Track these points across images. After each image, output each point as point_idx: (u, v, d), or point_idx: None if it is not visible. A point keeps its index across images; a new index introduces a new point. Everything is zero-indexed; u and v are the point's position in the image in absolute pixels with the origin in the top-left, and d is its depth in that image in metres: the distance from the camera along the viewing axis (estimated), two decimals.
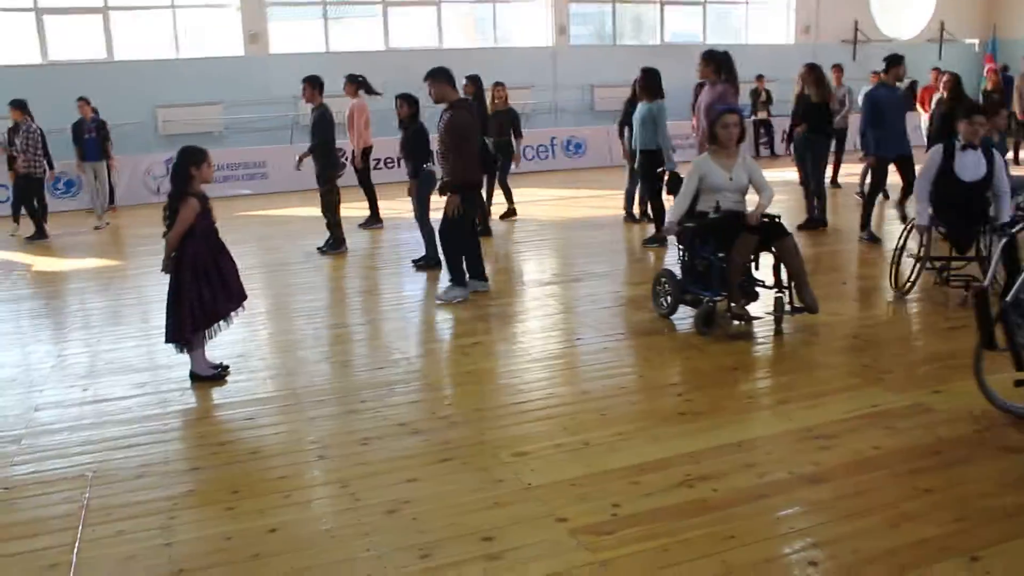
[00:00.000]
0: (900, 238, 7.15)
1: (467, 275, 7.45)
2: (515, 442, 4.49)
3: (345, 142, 11.45)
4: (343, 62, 16.75)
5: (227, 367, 5.67)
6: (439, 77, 7.26)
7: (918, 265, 6.91)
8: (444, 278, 7.69)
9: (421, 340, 6.45)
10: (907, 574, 3.24)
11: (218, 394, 5.41)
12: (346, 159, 11.97)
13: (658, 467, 4.14)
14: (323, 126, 9.32)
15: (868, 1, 22.34)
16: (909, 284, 6.96)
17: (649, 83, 9.52)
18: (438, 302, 7.34)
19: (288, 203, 13.54)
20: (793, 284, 6.19)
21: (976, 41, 23.23)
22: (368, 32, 18.51)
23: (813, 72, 10.27)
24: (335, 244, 9.58)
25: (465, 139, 7.16)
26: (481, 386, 5.50)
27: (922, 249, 6.82)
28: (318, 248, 9.59)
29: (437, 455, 4.36)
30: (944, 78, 11.26)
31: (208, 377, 5.55)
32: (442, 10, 18.81)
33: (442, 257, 7.52)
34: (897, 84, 9.72)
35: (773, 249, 6.22)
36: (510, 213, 11.67)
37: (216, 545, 3.57)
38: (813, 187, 10.21)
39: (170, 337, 5.49)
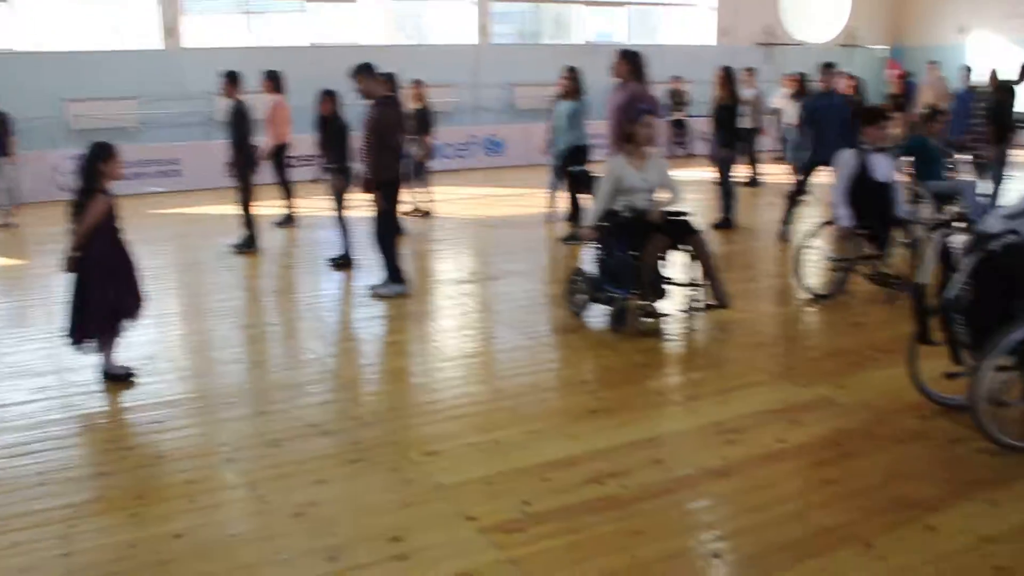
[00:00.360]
0: (805, 239, 7.31)
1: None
2: (426, 441, 4.49)
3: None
4: (263, 57, 16.48)
5: (133, 372, 5.55)
6: (366, 73, 7.24)
7: (836, 267, 7.09)
8: (375, 275, 7.64)
9: (335, 340, 6.39)
10: (808, 562, 3.34)
11: (125, 397, 5.28)
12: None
13: (568, 464, 4.17)
14: (238, 120, 9.14)
15: (782, 6, 22.79)
16: (834, 287, 7.09)
17: (575, 81, 9.72)
18: (379, 296, 7.31)
19: (202, 201, 13.25)
20: (706, 280, 6.30)
21: (882, 47, 23.93)
22: (289, 27, 18.26)
23: (722, 74, 10.47)
24: (248, 242, 9.39)
25: (390, 135, 7.13)
26: (394, 386, 5.48)
27: (848, 253, 6.95)
28: (232, 246, 9.39)
29: (347, 456, 4.33)
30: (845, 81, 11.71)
31: (120, 376, 5.43)
32: (363, 6, 18.65)
33: (378, 254, 7.43)
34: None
35: (685, 247, 6.32)
36: (426, 213, 11.65)
37: (119, 553, 3.49)
38: (724, 188, 10.40)
39: (74, 337, 5.35)
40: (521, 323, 6.69)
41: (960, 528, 3.58)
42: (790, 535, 3.53)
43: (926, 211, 6.72)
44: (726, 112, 10.33)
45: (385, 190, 7.18)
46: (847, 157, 6.86)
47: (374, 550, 3.45)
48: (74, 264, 5.26)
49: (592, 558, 3.38)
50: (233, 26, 17.63)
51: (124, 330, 5.47)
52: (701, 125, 19.46)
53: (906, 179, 7.72)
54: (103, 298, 5.27)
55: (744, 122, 11.55)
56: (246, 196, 9.28)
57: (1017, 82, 11.41)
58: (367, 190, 7.26)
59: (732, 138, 10.42)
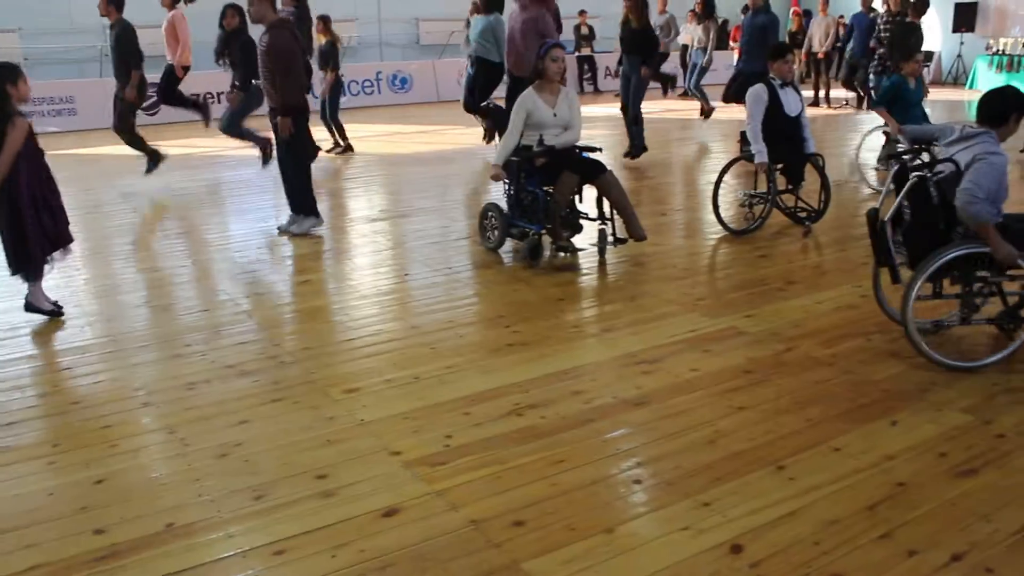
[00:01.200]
0: (720, 173, 7.44)
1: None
2: (346, 379, 4.49)
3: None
4: None
5: (60, 308, 5.47)
6: None
7: (752, 202, 7.27)
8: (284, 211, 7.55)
9: (247, 280, 6.29)
10: (723, 485, 3.46)
11: (33, 344, 5.13)
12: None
13: (488, 397, 4.24)
14: (126, 44, 8.79)
15: None
16: (760, 221, 7.21)
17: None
18: (291, 234, 7.23)
19: (101, 141, 12.77)
20: (621, 217, 6.39)
21: None
22: None
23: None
24: (154, 158, 9.24)
25: (290, 61, 6.92)
26: (310, 324, 5.44)
27: (769, 187, 7.07)
28: (145, 171, 9.19)
29: (267, 396, 4.31)
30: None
31: (48, 311, 5.35)
32: None
33: (288, 187, 7.33)
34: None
35: (595, 184, 6.39)
36: (347, 149, 11.47)
37: (37, 502, 3.42)
38: (632, 114, 10.48)
39: (17, 268, 5.23)
40: (434, 260, 6.70)
41: (863, 448, 3.77)
42: (705, 460, 3.66)
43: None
44: (636, 36, 10.36)
45: (293, 117, 7.01)
46: (758, 92, 6.97)
47: (300, 487, 3.46)
48: (1, 195, 5.07)
49: (516, 488, 3.45)
50: None
51: (57, 260, 5.38)
52: (607, 61, 19.59)
53: (890, 123, 7.88)
54: (38, 225, 5.14)
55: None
56: (130, 121, 9.05)
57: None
58: (272, 119, 7.09)
59: (640, 64, 10.44)
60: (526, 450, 3.74)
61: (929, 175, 4.55)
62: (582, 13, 19.06)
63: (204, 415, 4.12)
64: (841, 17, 19.72)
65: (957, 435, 3.89)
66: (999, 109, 4.51)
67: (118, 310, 5.73)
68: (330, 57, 11.08)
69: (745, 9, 11.61)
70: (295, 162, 7.21)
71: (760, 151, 6.86)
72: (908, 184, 4.59)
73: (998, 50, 19.46)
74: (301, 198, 7.28)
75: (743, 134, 7.19)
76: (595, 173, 6.35)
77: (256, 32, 7.31)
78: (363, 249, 7.15)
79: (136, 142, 9.15)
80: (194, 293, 6.11)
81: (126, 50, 8.79)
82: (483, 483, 3.49)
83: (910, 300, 4.48)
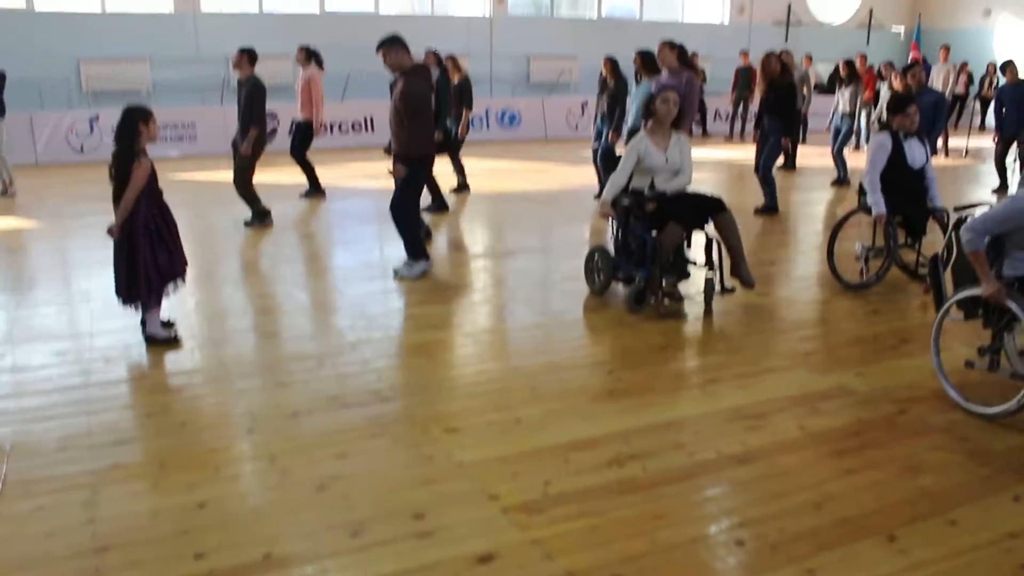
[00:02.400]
0: (836, 224, 7.23)
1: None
2: (446, 418, 4.49)
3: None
4: (276, 24, 16.48)
5: (178, 336, 5.65)
6: (394, 45, 6.94)
7: (871, 256, 7.01)
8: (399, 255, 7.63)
9: (352, 312, 6.37)
10: (828, 553, 3.33)
11: (145, 364, 5.29)
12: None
13: (588, 445, 4.17)
14: (254, 101, 8.94)
15: None
16: (877, 276, 6.96)
17: (647, 62, 9.70)
18: (402, 278, 7.17)
19: (218, 167, 13.17)
20: (730, 258, 6.29)
21: (902, 28, 23.75)
22: None
23: (780, 59, 10.29)
24: (260, 216, 9.27)
25: (419, 107, 6.90)
26: (413, 360, 5.47)
27: (887, 241, 6.81)
28: (245, 223, 9.29)
29: (368, 430, 4.33)
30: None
31: (163, 340, 5.52)
32: None
33: (399, 231, 7.24)
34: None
35: (711, 224, 6.29)
36: (462, 187, 11.53)
37: (142, 521, 3.49)
38: (762, 174, 10.28)
39: (126, 298, 5.43)
40: (538, 300, 6.69)
41: (982, 523, 3.57)
42: (811, 524, 3.53)
43: None
44: (784, 96, 10.14)
45: (413, 166, 7.01)
46: (881, 140, 6.77)
47: (397, 526, 3.45)
48: (121, 230, 5.31)
49: (614, 541, 3.38)
50: None
51: (169, 292, 5.58)
52: (717, 104, 19.44)
53: None
54: (153, 262, 5.36)
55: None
56: (247, 175, 9.18)
57: None
58: (398, 167, 7.01)
59: (788, 124, 10.19)
60: (626, 502, 3.66)
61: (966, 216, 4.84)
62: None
63: (304, 446, 4.16)
64: (964, 64, 19.18)
65: None
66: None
67: (226, 335, 5.87)
68: (465, 95, 11.16)
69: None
70: (407, 208, 7.17)
71: (877, 202, 6.63)
72: (951, 223, 5.00)
73: None
74: (411, 243, 7.24)
75: (861, 185, 6.99)
76: (715, 211, 6.27)
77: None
78: (468, 287, 7.18)
79: (249, 198, 9.24)
80: (300, 322, 6.22)
81: (252, 108, 8.94)
82: (580, 534, 3.43)
83: (935, 331, 4.88)
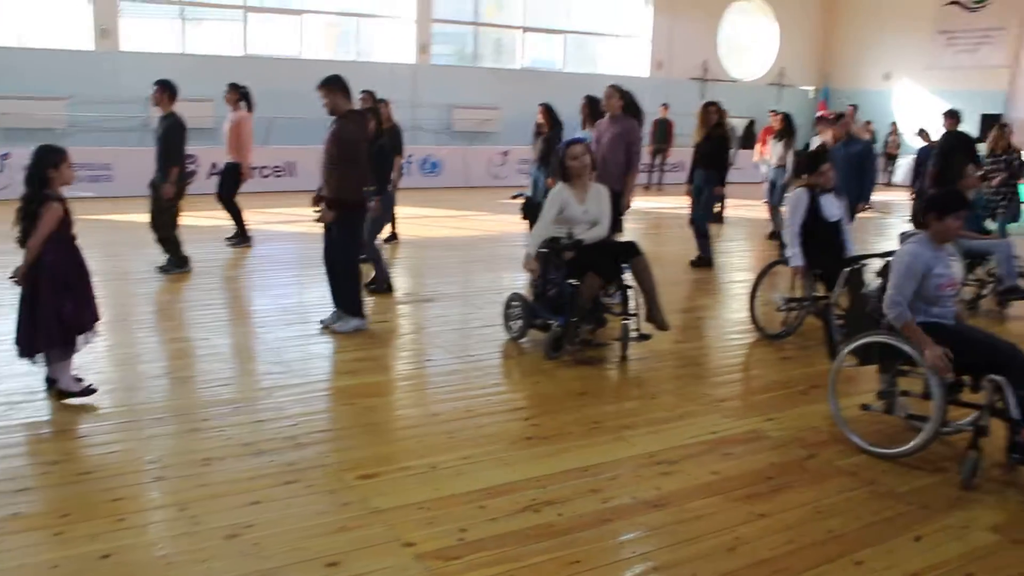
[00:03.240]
0: (758, 276, 7.40)
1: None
2: (362, 464, 4.44)
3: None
4: (198, 65, 16.34)
5: (92, 388, 5.31)
6: (334, 86, 6.68)
7: (788, 307, 7.14)
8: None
9: (268, 358, 6.29)
10: None
11: (49, 409, 5.12)
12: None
13: (505, 491, 4.17)
14: (174, 139, 8.71)
15: (716, 43, 23.43)
16: (796, 326, 7.15)
17: (594, 109, 9.26)
18: (333, 331, 6.86)
19: (134, 208, 12.88)
20: (645, 303, 6.38)
21: (811, 88, 24.67)
22: (226, 37, 18.07)
23: (712, 108, 10.39)
24: (178, 263, 8.94)
25: (353, 153, 6.64)
26: (329, 406, 5.42)
27: (805, 292, 6.98)
28: (160, 268, 8.96)
29: (282, 477, 4.26)
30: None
31: (77, 393, 5.21)
32: (304, 20, 18.54)
33: (334, 284, 6.93)
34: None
35: (625, 271, 6.39)
36: (391, 238, 11.33)
37: (42, 573, 3.37)
38: (699, 227, 10.30)
39: (24, 351, 5.12)
40: (456, 346, 6.69)
41: (887, 563, 3.67)
42: (724, 568, 3.58)
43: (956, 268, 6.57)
44: (719, 147, 10.27)
45: (348, 213, 6.70)
46: (799, 196, 6.96)
47: (310, 575, 3.39)
48: (26, 275, 5.04)
49: None
50: (169, 31, 17.36)
51: (80, 345, 5.25)
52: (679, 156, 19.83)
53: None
54: (55, 311, 5.03)
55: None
56: (171, 216, 8.84)
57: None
58: (326, 211, 6.70)
59: (722, 175, 10.31)
60: (541, 548, 3.67)
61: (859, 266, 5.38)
62: (664, 106, 19.28)
63: (216, 493, 4.07)
64: (868, 123, 19.97)
65: (984, 555, 3.80)
66: (918, 214, 5.00)
67: (137, 380, 5.74)
68: (395, 142, 11.02)
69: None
70: (345, 259, 6.89)
71: (795, 255, 6.79)
72: (844, 274, 5.35)
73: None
74: (348, 297, 6.92)
75: (781, 238, 7.18)
76: (629, 255, 6.37)
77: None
78: (387, 332, 7.14)
79: (171, 243, 8.87)
80: (215, 367, 6.10)
81: (172, 146, 8.61)
82: None
83: (831, 379, 5.12)
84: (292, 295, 8.39)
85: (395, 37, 19.57)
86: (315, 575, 3.40)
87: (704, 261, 10.29)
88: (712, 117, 10.17)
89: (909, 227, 5.07)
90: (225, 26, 18.29)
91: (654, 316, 6.41)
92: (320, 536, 3.70)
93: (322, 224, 6.83)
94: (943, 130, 11.62)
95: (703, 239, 10.31)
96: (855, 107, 10.22)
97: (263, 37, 18.31)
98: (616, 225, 8.13)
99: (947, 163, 10.18)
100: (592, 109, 9.38)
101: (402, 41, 19.47)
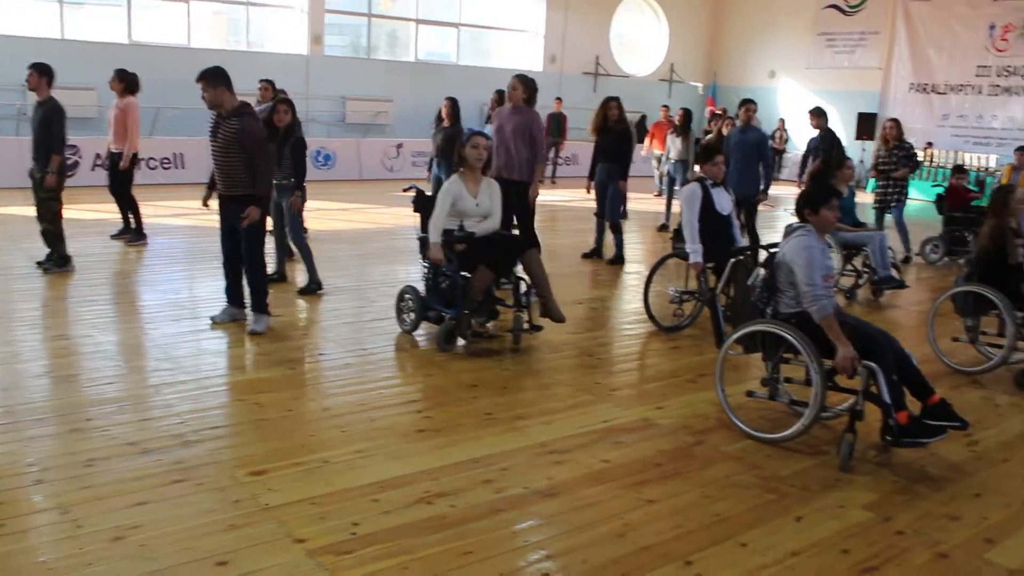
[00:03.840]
0: (652, 268, 7.52)
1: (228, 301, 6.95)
2: (253, 461, 4.38)
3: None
4: (80, 52, 15.77)
5: None
6: (218, 80, 6.42)
7: (684, 300, 7.32)
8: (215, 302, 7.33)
9: (156, 354, 6.13)
10: None
11: None
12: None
13: (397, 484, 4.18)
14: (54, 125, 8.36)
15: (609, 39, 23.75)
16: (691, 319, 7.36)
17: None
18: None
19: (11, 200, 12.42)
20: (538, 296, 6.45)
21: (700, 84, 25.27)
22: (109, 23, 17.43)
23: (613, 104, 10.29)
24: (60, 262, 8.55)
25: (264, 147, 6.57)
26: (219, 403, 5.32)
27: (700, 285, 7.13)
28: (39, 264, 8.59)
29: (169, 476, 4.17)
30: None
31: None
32: (192, 7, 18.04)
33: (253, 282, 6.75)
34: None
35: (518, 264, 6.45)
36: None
37: None
38: (611, 222, 10.29)
39: None
40: (348, 340, 6.65)
41: (769, 544, 3.81)
42: (613, 554, 3.66)
43: (834, 259, 6.81)
44: (622, 142, 10.20)
45: (262, 210, 6.54)
46: (693, 190, 7.10)
47: (199, 575, 3.34)
48: None
49: None
50: (48, 15, 16.65)
51: None
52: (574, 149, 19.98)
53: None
54: None
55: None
56: (54, 207, 8.45)
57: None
58: (253, 211, 6.43)
59: (625, 169, 10.19)
60: (434, 540, 3.68)
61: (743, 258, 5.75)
62: (558, 100, 19.39)
63: (100, 495, 3.96)
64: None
65: (859, 532, 3.98)
66: (798, 207, 5.10)
67: (16, 379, 5.52)
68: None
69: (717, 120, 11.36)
70: (260, 257, 6.74)
71: (696, 250, 6.86)
72: (729, 265, 5.64)
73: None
74: (264, 294, 6.78)
75: (676, 231, 7.32)
76: (522, 249, 6.43)
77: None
78: (279, 327, 7.03)
79: (55, 236, 8.45)
80: (100, 364, 5.91)
81: (52, 132, 8.22)
82: (388, 574, 3.42)
83: (718, 367, 5.26)
84: (182, 290, 8.21)
85: (287, 27, 19.23)
86: (204, 575, 3.34)
87: (618, 258, 10.24)
88: (613, 112, 10.21)
89: (795, 220, 5.23)
90: (107, 11, 17.65)
91: (549, 310, 6.49)
92: (209, 535, 3.64)
93: (217, 219, 6.73)
94: (813, 128, 11.90)
95: (618, 235, 10.29)
96: (754, 103, 10.35)
97: (149, 24, 17.73)
98: (525, 216, 8.18)
99: (828, 158, 10.57)
100: (502, 103, 9.43)
101: (294, 31, 19.14)
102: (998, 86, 20.52)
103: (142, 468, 4.24)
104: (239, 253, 6.71)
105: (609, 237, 10.36)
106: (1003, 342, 6.28)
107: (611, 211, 10.23)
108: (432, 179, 10.87)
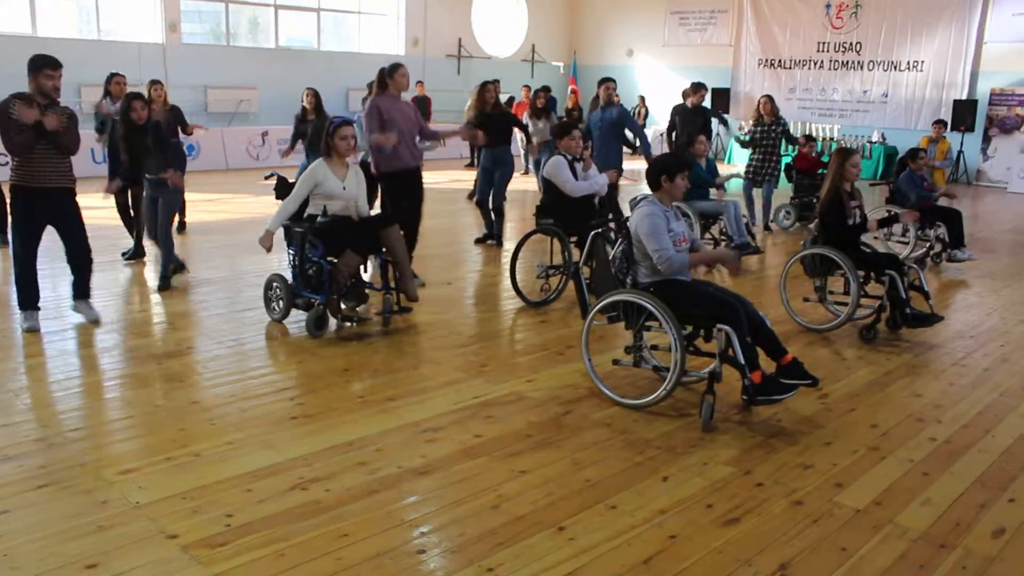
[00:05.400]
0: (516, 247, 7.63)
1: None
2: (121, 460, 4.30)
3: None
4: None
5: None
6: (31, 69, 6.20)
7: (553, 274, 7.50)
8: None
9: (12, 357, 5.90)
10: (505, 550, 3.56)
11: None
12: None
13: (271, 473, 4.17)
14: None
15: (471, 21, 23.79)
16: (557, 292, 7.53)
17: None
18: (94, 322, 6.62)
19: None
20: (396, 272, 6.50)
21: (561, 64, 25.60)
22: None
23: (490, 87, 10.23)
24: None
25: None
26: (84, 402, 5.17)
27: (564, 259, 7.33)
28: None
29: (32, 482, 4.04)
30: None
31: None
32: None
33: (86, 274, 6.71)
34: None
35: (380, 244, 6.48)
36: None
37: None
38: (496, 205, 10.26)
39: None
40: (217, 331, 6.54)
41: (638, 504, 3.98)
42: (489, 525, 3.75)
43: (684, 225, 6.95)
44: (505, 125, 10.21)
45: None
46: (559, 161, 7.29)
47: None
48: None
49: (299, 565, 3.41)
50: None
51: None
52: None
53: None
54: None
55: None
56: None
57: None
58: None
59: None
60: (310, 525, 3.70)
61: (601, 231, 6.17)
62: (420, 84, 19.32)
63: None
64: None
65: (722, 486, 4.19)
66: (652, 176, 5.29)
67: None
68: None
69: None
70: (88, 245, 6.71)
71: (592, 185, 7.33)
72: (589, 239, 5.87)
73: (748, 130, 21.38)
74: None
75: (539, 207, 7.46)
76: (381, 225, 6.45)
77: None
78: (144, 321, 6.87)
79: None
80: None
81: None
82: (266, 562, 3.42)
83: (584, 337, 5.46)
84: (43, 288, 7.87)
85: (140, 14, 18.52)
86: None
87: (498, 240, 10.28)
88: (491, 96, 10.12)
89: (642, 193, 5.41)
90: None
91: (406, 287, 6.52)
92: (77, 538, 3.56)
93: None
94: (688, 101, 12.27)
95: (500, 219, 10.31)
96: (613, 81, 10.55)
97: None
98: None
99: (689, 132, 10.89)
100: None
101: (149, 19, 18.47)
102: (837, 61, 21.58)
103: (2, 476, 4.10)
104: None
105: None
106: (848, 300, 6.65)
107: (498, 196, 10.20)
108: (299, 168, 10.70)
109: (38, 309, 6.54)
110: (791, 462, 4.50)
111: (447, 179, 16.57)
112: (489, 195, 10.22)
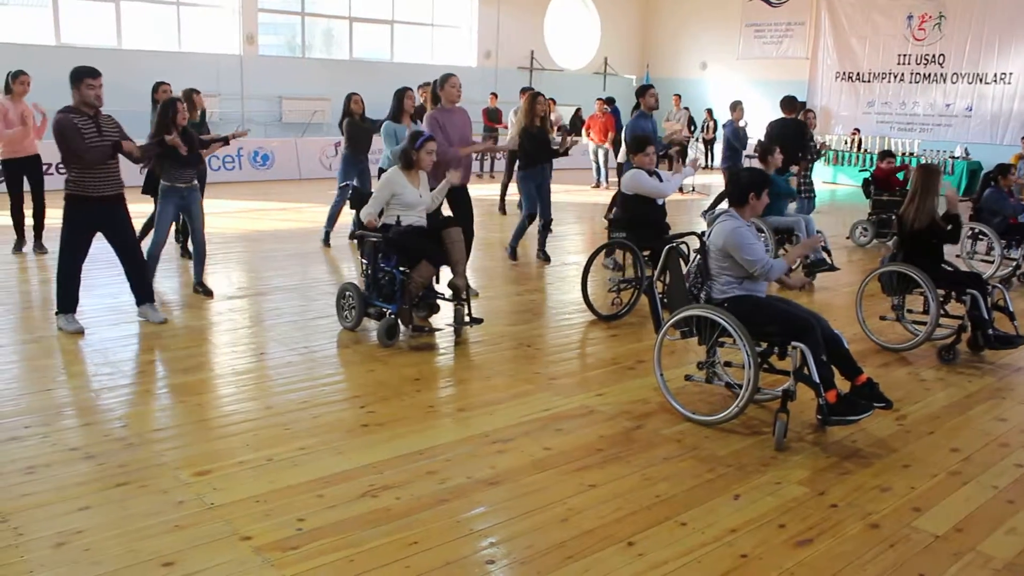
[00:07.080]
0: (588, 260, 7.60)
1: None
2: (197, 461, 4.39)
3: None
4: (5, 54, 15.37)
5: None
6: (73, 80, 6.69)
7: (624, 288, 7.46)
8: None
9: (95, 359, 6.06)
10: (574, 563, 3.54)
11: None
12: None
13: (342, 479, 4.21)
14: None
15: (543, 33, 23.87)
16: (629, 307, 7.49)
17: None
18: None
19: None
20: (450, 268, 6.53)
21: (633, 77, 25.52)
22: (36, 24, 17.03)
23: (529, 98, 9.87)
24: None
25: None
26: (162, 405, 5.30)
27: (636, 273, 7.36)
28: None
29: (112, 480, 4.15)
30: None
31: None
32: (121, 7, 17.70)
33: (147, 276, 7.04)
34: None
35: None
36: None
37: None
38: (545, 220, 10.00)
39: None
40: (292, 339, 6.64)
41: (708, 521, 3.93)
42: (557, 538, 3.74)
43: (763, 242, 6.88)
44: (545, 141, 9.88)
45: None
46: (638, 172, 7.31)
47: None
48: None
49: (368, 571, 3.43)
50: None
51: None
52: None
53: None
54: None
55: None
56: None
57: None
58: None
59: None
60: (380, 532, 3.73)
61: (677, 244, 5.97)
62: (493, 95, 19.45)
63: (42, 502, 3.93)
64: (686, 110, 20.92)
65: (794, 507, 4.11)
66: (739, 191, 5.20)
67: None
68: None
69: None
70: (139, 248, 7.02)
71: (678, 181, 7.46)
72: (663, 253, 5.64)
73: (824, 144, 21.01)
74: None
75: (611, 221, 7.46)
76: (444, 226, 6.58)
77: None
78: (219, 328, 7.01)
79: None
80: (30, 372, 5.83)
81: None
82: (336, 567, 3.46)
83: (656, 352, 5.33)
84: (120, 294, 8.08)
85: (220, 27, 18.97)
86: None
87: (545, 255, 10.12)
88: (542, 108, 9.70)
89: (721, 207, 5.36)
90: (33, 12, 17.23)
91: (456, 281, 6.51)
92: (154, 536, 3.64)
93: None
94: (782, 116, 12.01)
95: (545, 233, 10.08)
96: (653, 87, 10.40)
97: (77, 25, 17.35)
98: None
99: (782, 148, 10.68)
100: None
101: (227, 31, 18.90)
102: (918, 73, 21.11)
103: (85, 473, 4.22)
104: None
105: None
106: (927, 319, 6.50)
107: (546, 210, 9.93)
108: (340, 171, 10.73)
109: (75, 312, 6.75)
110: (866, 484, 4.40)
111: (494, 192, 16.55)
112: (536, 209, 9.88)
